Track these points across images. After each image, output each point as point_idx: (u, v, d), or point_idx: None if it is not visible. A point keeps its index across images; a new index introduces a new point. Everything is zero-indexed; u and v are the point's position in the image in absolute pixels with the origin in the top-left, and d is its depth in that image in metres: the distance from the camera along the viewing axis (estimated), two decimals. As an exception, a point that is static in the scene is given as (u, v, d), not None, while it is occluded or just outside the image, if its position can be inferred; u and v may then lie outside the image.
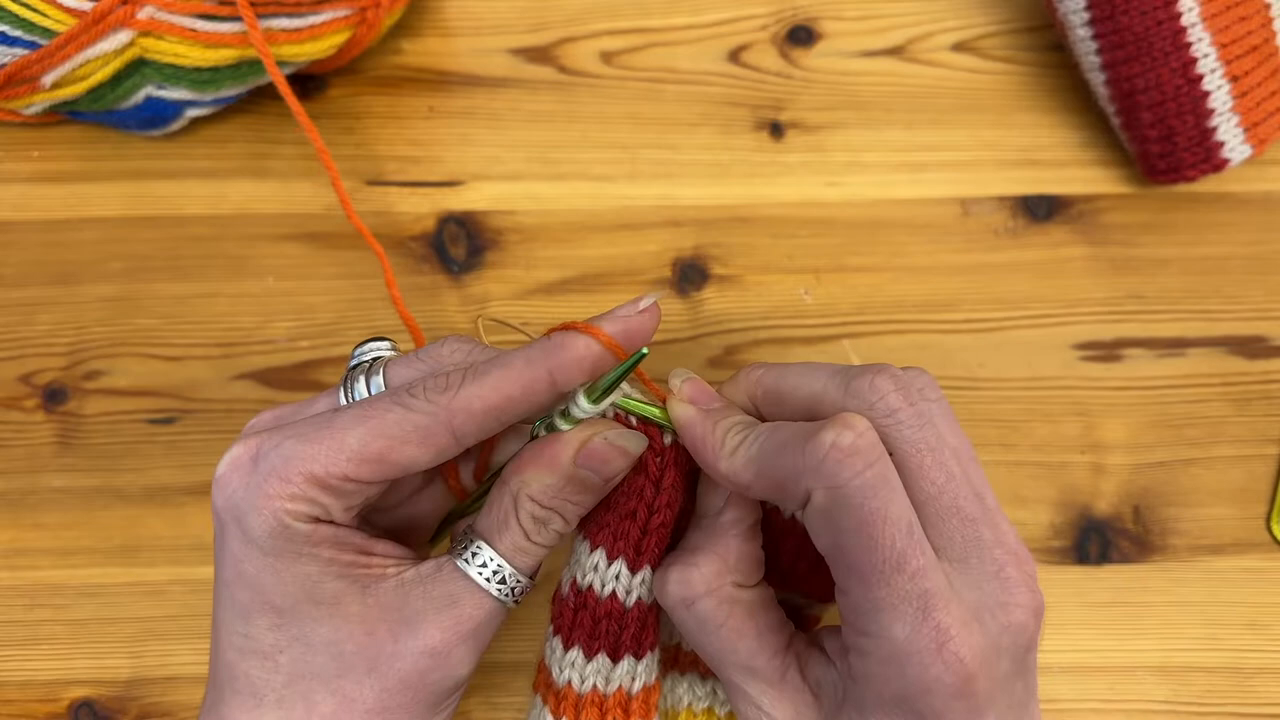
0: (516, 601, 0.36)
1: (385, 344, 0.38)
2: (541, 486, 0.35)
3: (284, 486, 0.33)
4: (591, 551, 0.37)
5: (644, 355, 0.34)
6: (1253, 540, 0.49)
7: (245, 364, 0.51)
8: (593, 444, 0.35)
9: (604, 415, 0.36)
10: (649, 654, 0.38)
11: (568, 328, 0.35)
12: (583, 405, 0.35)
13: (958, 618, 0.32)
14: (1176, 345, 0.51)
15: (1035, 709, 0.34)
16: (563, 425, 0.36)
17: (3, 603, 0.48)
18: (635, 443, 0.36)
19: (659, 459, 0.37)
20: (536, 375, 0.34)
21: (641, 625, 0.37)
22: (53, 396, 0.50)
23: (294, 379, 0.51)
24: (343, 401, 0.37)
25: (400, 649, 0.34)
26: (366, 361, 0.38)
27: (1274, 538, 0.49)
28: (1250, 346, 0.51)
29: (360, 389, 0.37)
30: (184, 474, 0.49)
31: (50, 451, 0.50)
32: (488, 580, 0.35)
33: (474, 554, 0.36)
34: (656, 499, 0.37)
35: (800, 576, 0.39)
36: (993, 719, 0.32)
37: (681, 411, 0.36)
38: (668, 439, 0.37)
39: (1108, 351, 0.51)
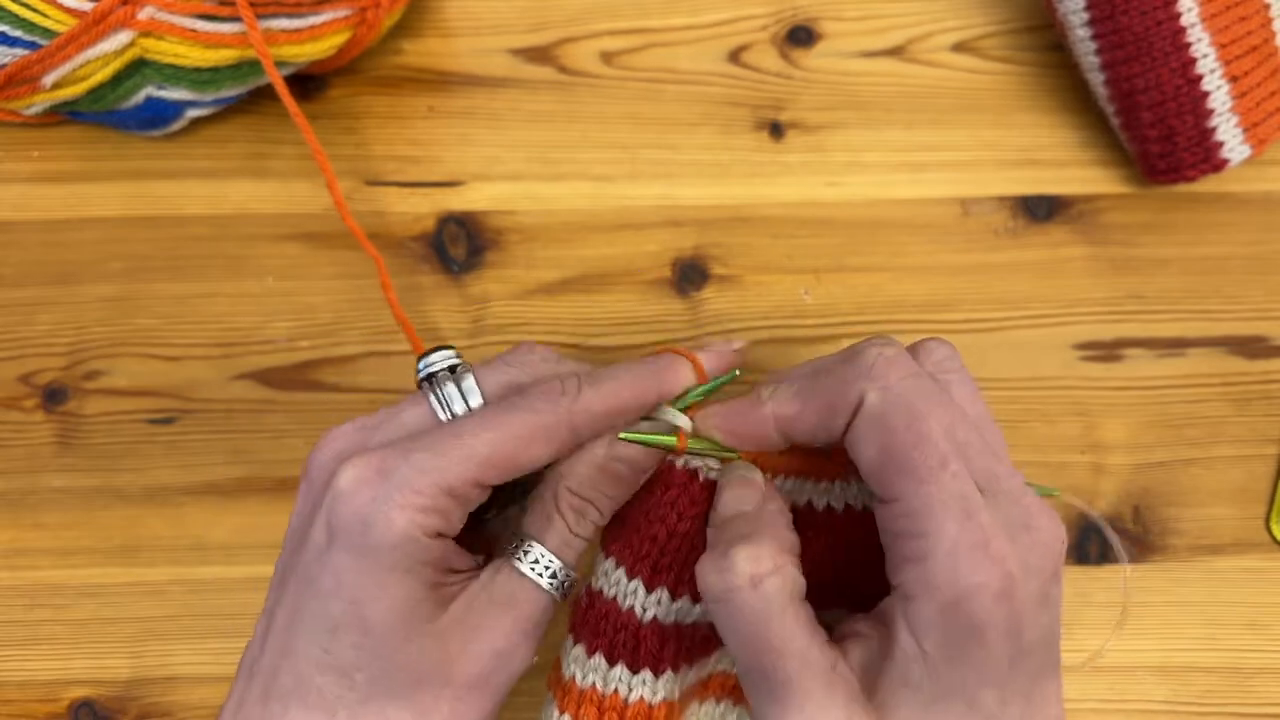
0: (565, 594, 0.38)
1: (451, 351, 0.40)
2: (578, 477, 0.37)
3: (417, 498, 0.34)
4: (606, 558, 0.39)
5: (736, 376, 0.39)
6: (1252, 540, 0.49)
7: (245, 364, 0.51)
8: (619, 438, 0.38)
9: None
10: (646, 670, 0.38)
11: (678, 353, 0.39)
12: (676, 419, 0.38)
13: (995, 523, 0.33)
14: (1176, 345, 0.51)
15: (1058, 650, 0.35)
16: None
17: (3, 603, 0.48)
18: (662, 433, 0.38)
19: (674, 490, 0.38)
20: (649, 387, 0.38)
21: (634, 635, 0.38)
22: (53, 396, 0.50)
23: (294, 379, 0.51)
24: (435, 407, 0.38)
25: (470, 654, 0.36)
26: (443, 369, 0.39)
27: (1274, 538, 0.49)
28: (1250, 346, 0.51)
29: (451, 392, 0.38)
30: (184, 474, 0.49)
31: (50, 451, 0.50)
32: (539, 575, 0.37)
33: (525, 552, 0.37)
34: (662, 521, 0.38)
35: (835, 576, 0.39)
36: (1028, 637, 0.33)
37: (706, 410, 0.38)
38: (697, 468, 0.38)
39: (1108, 351, 0.51)
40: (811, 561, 0.38)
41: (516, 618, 0.37)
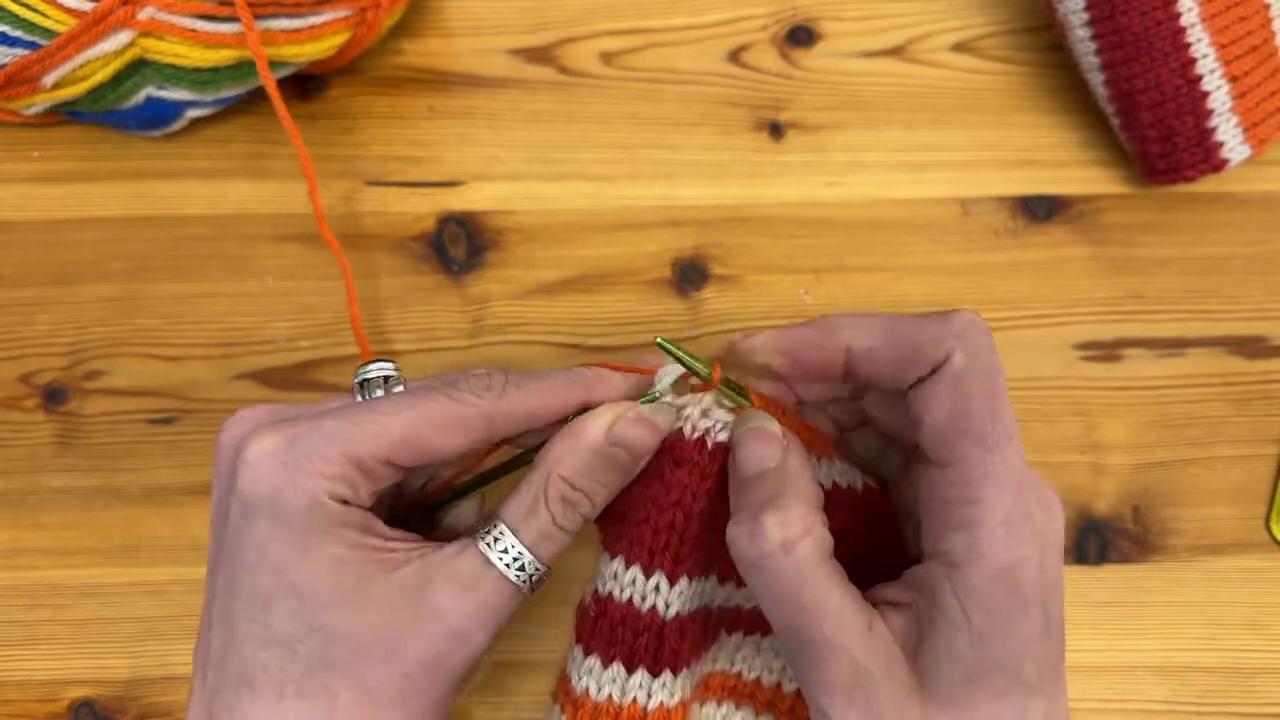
0: (533, 589, 0.36)
1: (390, 364, 0.39)
2: (573, 466, 0.36)
3: (324, 465, 0.34)
4: (611, 560, 0.37)
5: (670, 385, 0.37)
6: (1252, 540, 0.49)
7: (245, 364, 0.51)
8: (625, 417, 0.36)
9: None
10: (667, 672, 0.37)
11: (606, 366, 0.38)
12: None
13: (1034, 499, 0.34)
14: (1176, 345, 0.51)
15: (1063, 629, 0.35)
16: None
17: (3, 603, 0.48)
18: (665, 417, 0.37)
19: (684, 469, 0.37)
20: (574, 394, 0.37)
21: (657, 636, 0.37)
22: (53, 396, 0.50)
23: (294, 379, 0.51)
24: (357, 399, 0.38)
25: (421, 631, 0.35)
26: (378, 377, 0.39)
27: (1273, 538, 0.49)
28: (1250, 346, 0.51)
29: (378, 395, 0.38)
30: (184, 474, 0.49)
31: (50, 451, 0.50)
32: (508, 566, 0.36)
33: (496, 539, 0.36)
34: (677, 505, 0.37)
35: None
36: (1054, 610, 0.34)
37: (749, 336, 0.38)
38: (699, 431, 0.37)
39: (1108, 351, 0.51)
40: None
41: (477, 604, 0.35)
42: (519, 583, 0.36)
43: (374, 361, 0.39)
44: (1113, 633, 0.48)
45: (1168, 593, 0.48)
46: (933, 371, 0.35)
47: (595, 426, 0.36)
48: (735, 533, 0.34)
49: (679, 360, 0.37)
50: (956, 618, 0.33)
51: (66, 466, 0.49)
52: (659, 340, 0.36)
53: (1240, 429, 0.50)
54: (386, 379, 0.38)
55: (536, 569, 0.36)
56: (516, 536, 0.36)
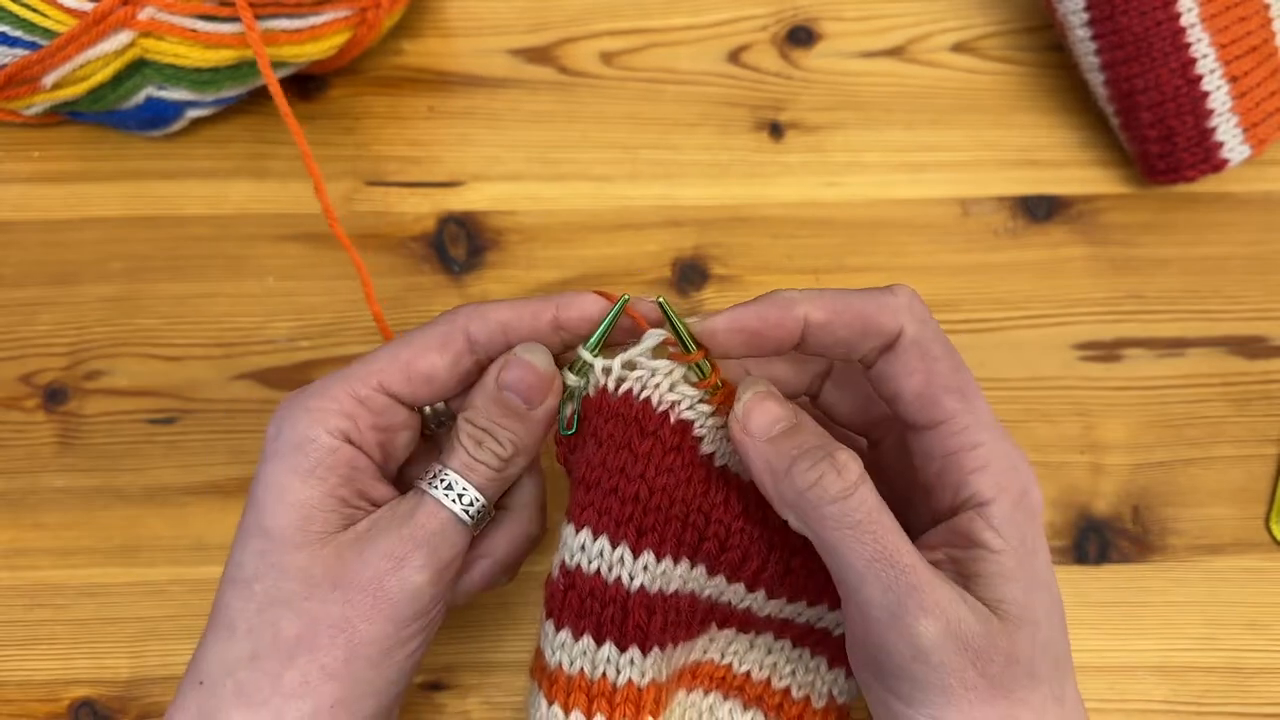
0: (472, 518, 0.38)
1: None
2: (474, 409, 0.38)
3: (322, 400, 0.37)
4: (578, 531, 0.37)
5: (626, 300, 0.38)
6: (1252, 540, 0.49)
7: (245, 364, 0.51)
8: (507, 361, 0.38)
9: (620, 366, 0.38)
10: (634, 648, 0.37)
11: (591, 293, 0.39)
12: (580, 353, 0.38)
13: (1006, 433, 0.37)
14: (1176, 345, 0.51)
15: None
16: (568, 376, 0.39)
17: (3, 603, 0.48)
18: (542, 359, 0.38)
19: (648, 441, 0.37)
20: (545, 305, 0.38)
21: (621, 609, 0.37)
22: (53, 396, 0.50)
23: (294, 379, 0.51)
24: None
25: (363, 559, 0.37)
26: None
27: (1273, 538, 0.49)
28: (1250, 346, 0.51)
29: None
30: (184, 474, 0.49)
31: (50, 451, 0.50)
32: (436, 488, 0.38)
33: (427, 470, 0.38)
34: (641, 477, 0.37)
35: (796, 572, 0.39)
36: (1046, 555, 0.37)
37: (709, 315, 0.37)
38: (660, 400, 0.37)
39: (1107, 351, 0.51)
40: (779, 546, 0.38)
41: (412, 527, 0.37)
42: (449, 502, 0.37)
43: None
44: (1113, 633, 0.48)
45: (1168, 593, 0.48)
46: (891, 346, 0.37)
47: (490, 372, 0.38)
48: (809, 477, 0.34)
49: (673, 326, 0.37)
50: (1000, 545, 0.35)
51: (67, 466, 0.49)
52: (659, 300, 0.37)
53: (1240, 429, 0.50)
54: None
55: (465, 488, 0.38)
56: (446, 466, 0.38)
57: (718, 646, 0.41)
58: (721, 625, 0.41)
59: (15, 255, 0.52)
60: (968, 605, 0.34)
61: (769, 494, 0.36)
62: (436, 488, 0.37)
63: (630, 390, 0.37)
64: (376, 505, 0.38)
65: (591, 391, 0.38)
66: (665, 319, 0.37)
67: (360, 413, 0.38)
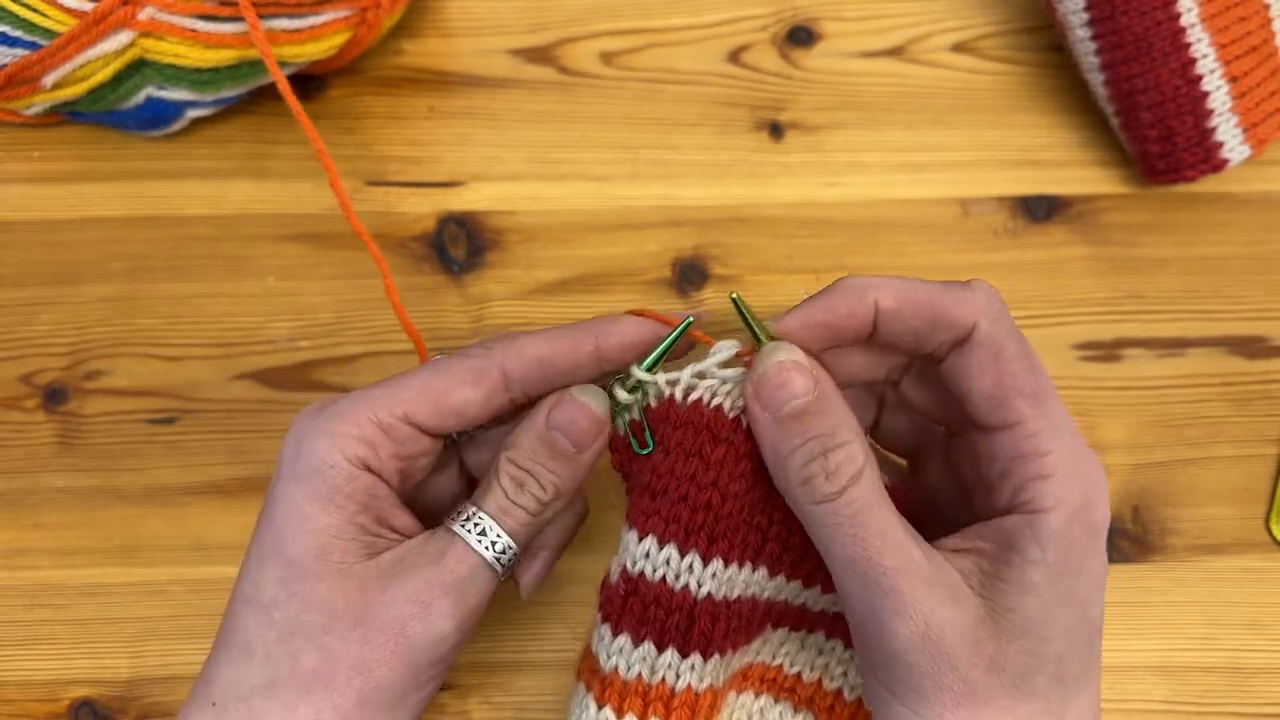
0: (503, 565, 0.37)
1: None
2: (518, 449, 0.37)
3: (344, 425, 0.36)
4: (642, 539, 0.37)
5: (690, 322, 0.38)
6: (1252, 540, 0.49)
7: (245, 364, 0.51)
8: (560, 401, 0.37)
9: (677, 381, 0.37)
10: (696, 654, 0.37)
11: (635, 314, 0.39)
12: (635, 372, 0.38)
13: (1084, 445, 0.36)
14: (1176, 345, 0.51)
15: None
16: (620, 393, 0.38)
17: (3, 603, 0.48)
18: (598, 401, 0.37)
19: (722, 448, 0.37)
20: (584, 335, 0.38)
21: (688, 616, 0.37)
22: (53, 396, 0.50)
23: (294, 379, 0.51)
24: None
25: (386, 599, 0.36)
26: None
27: (1273, 538, 0.49)
28: (1250, 346, 0.52)
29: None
30: (184, 474, 0.49)
31: (50, 451, 0.50)
32: (469, 533, 0.37)
33: (460, 512, 0.37)
34: (714, 485, 0.36)
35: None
36: (1104, 544, 0.35)
37: (785, 315, 0.37)
38: (732, 406, 0.37)
39: (1108, 351, 0.51)
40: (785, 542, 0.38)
41: (441, 571, 0.36)
42: (481, 549, 0.37)
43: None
44: (1113, 633, 0.47)
45: (1168, 593, 0.48)
46: (963, 341, 0.35)
47: (541, 410, 0.37)
48: (801, 474, 0.34)
49: (747, 322, 0.37)
50: (1035, 556, 0.34)
51: (67, 466, 0.49)
52: (733, 296, 0.37)
53: (1240, 429, 0.50)
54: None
55: (499, 535, 0.37)
56: (481, 509, 0.37)
57: (769, 648, 0.41)
58: (776, 625, 0.40)
59: (15, 255, 0.52)
60: (958, 608, 0.33)
61: (769, 469, 0.36)
62: (470, 531, 0.37)
63: (700, 399, 0.37)
64: (396, 531, 0.37)
65: (653, 402, 0.38)
66: (739, 314, 0.37)
67: (382, 441, 0.36)
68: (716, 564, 0.37)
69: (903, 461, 0.43)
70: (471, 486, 0.41)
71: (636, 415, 0.38)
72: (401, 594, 0.36)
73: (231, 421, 0.50)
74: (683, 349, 0.39)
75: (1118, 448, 0.50)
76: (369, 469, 0.36)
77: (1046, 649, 0.34)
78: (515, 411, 0.39)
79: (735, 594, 0.37)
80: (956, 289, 0.36)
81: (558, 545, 0.41)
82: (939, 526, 0.37)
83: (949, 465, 0.40)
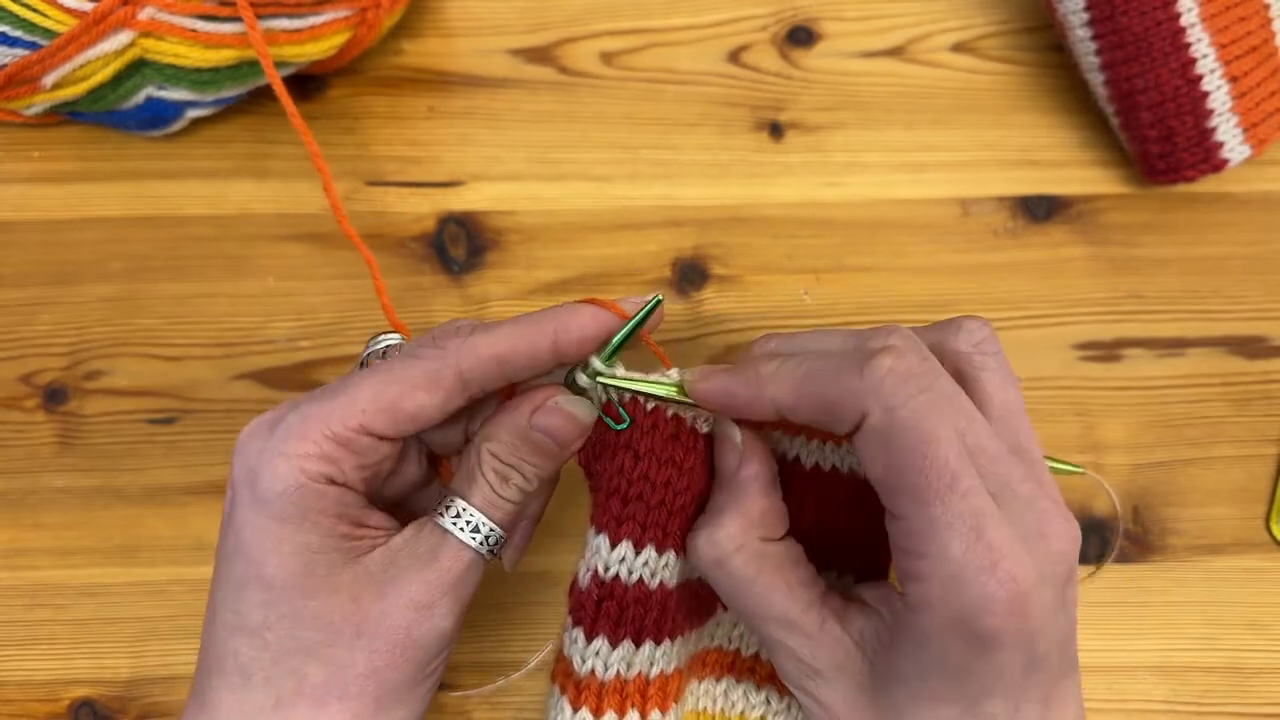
0: (493, 553, 0.37)
1: (396, 336, 0.40)
2: (500, 443, 0.37)
3: (301, 444, 0.35)
4: (614, 545, 0.37)
5: (659, 301, 0.37)
6: (1252, 540, 0.49)
7: (245, 364, 0.51)
8: (545, 406, 0.37)
9: (621, 393, 0.37)
10: (667, 640, 0.38)
11: (587, 301, 0.38)
12: (594, 363, 0.37)
13: (1007, 538, 0.32)
14: (1176, 345, 0.51)
15: (1075, 648, 0.35)
16: (581, 379, 0.38)
17: (3, 603, 0.48)
18: (584, 410, 0.38)
19: (693, 454, 0.38)
20: (541, 331, 0.36)
21: (663, 609, 0.37)
22: (53, 396, 0.50)
23: (294, 379, 0.51)
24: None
25: (386, 606, 0.35)
26: (380, 349, 0.39)
27: (1273, 538, 0.49)
28: (1250, 346, 0.51)
29: (375, 362, 0.38)
30: (184, 474, 0.49)
31: (50, 451, 0.50)
32: (462, 530, 0.37)
33: (448, 507, 0.37)
34: (688, 490, 0.37)
35: (822, 539, 0.39)
36: (1043, 645, 0.33)
37: (701, 374, 0.37)
38: (698, 421, 0.38)
39: (1108, 351, 0.51)
40: (800, 521, 0.38)
41: (438, 571, 0.36)
42: (475, 544, 0.37)
43: (381, 334, 0.40)
44: (1113, 633, 0.48)
45: (1168, 593, 0.48)
46: (858, 428, 0.34)
47: (523, 408, 0.37)
48: (687, 544, 0.37)
49: (646, 395, 0.37)
50: (910, 650, 0.34)
51: (67, 466, 0.49)
52: (627, 385, 0.37)
53: (1240, 429, 0.50)
54: (386, 350, 0.39)
55: (491, 529, 0.37)
56: (468, 502, 0.37)
57: (724, 631, 0.42)
58: (726, 608, 0.41)
59: (15, 255, 0.52)
60: (839, 684, 0.35)
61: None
62: (463, 530, 0.36)
63: (660, 406, 0.37)
64: (373, 528, 0.37)
65: (613, 396, 0.38)
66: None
67: (342, 455, 0.35)
68: (672, 555, 0.37)
69: None
70: (433, 462, 0.41)
71: (602, 397, 0.38)
72: (401, 600, 0.35)
73: (231, 421, 0.50)
74: (648, 330, 0.38)
75: (1118, 448, 0.50)
76: (334, 482, 0.35)
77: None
78: (473, 404, 0.39)
79: (696, 575, 0.39)
80: (848, 379, 0.34)
81: (536, 514, 0.41)
82: None
83: None
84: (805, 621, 0.36)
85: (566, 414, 0.37)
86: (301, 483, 0.35)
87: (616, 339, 0.37)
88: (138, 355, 0.51)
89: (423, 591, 0.36)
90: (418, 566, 0.36)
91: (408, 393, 0.36)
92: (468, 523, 0.37)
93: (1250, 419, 0.50)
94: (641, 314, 0.37)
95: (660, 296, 0.38)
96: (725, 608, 0.41)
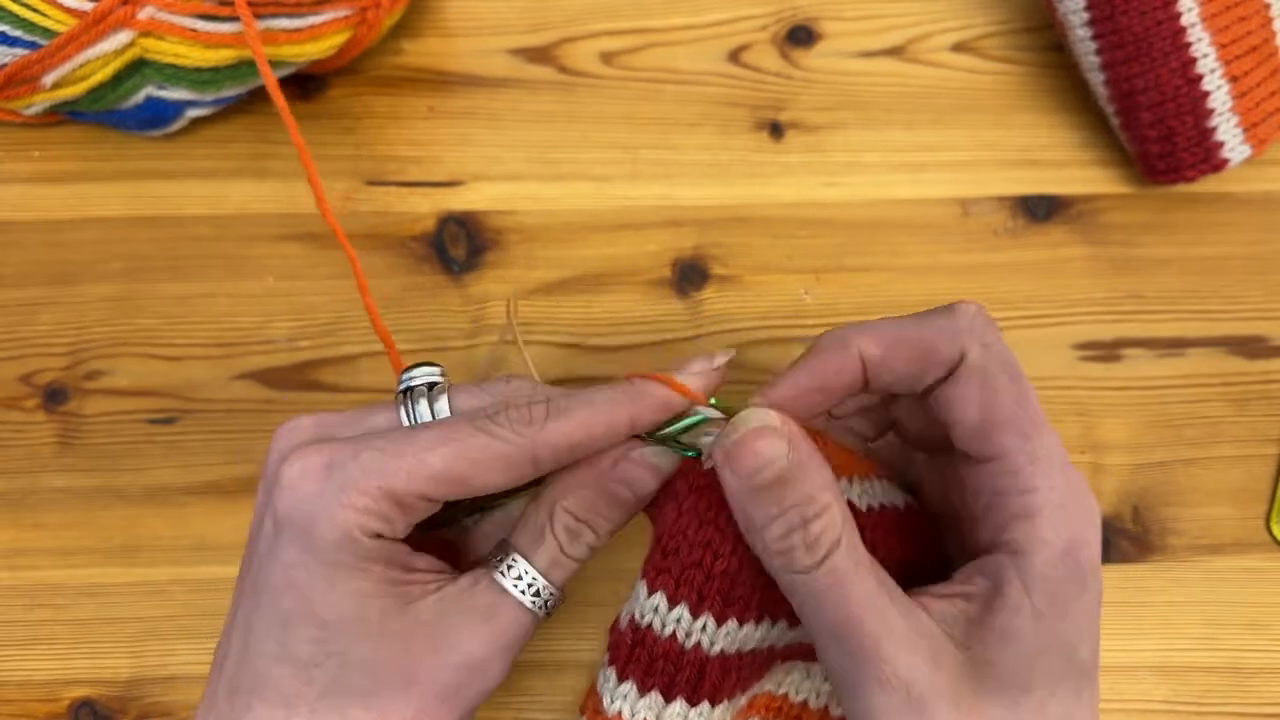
0: (549, 614, 0.37)
1: (436, 369, 0.38)
2: (577, 498, 0.36)
3: (359, 498, 0.34)
4: (650, 594, 0.36)
5: (703, 420, 0.37)
6: (1252, 540, 0.49)
7: (245, 364, 0.51)
8: (628, 457, 0.36)
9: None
10: (705, 703, 0.36)
11: (649, 377, 0.37)
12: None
13: (1078, 478, 0.34)
14: (1176, 345, 0.51)
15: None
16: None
17: (3, 603, 0.48)
18: (667, 461, 0.37)
19: (729, 512, 0.35)
20: (618, 417, 0.36)
21: (698, 672, 0.36)
22: (53, 396, 0.50)
23: (294, 379, 0.51)
24: (403, 417, 0.37)
25: (438, 662, 0.35)
26: (422, 385, 0.38)
27: (1273, 538, 0.49)
28: (1250, 346, 0.51)
29: (423, 410, 0.37)
30: (184, 474, 0.49)
31: (50, 451, 0.50)
32: (523, 593, 0.36)
33: (510, 567, 0.36)
34: (733, 553, 0.35)
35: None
36: (1099, 588, 0.34)
37: (768, 387, 0.36)
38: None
39: (1107, 351, 0.51)
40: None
41: (494, 632, 0.35)
42: (534, 608, 0.36)
43: (418, 365, 0.38)
44: (1113, 633, 0.48)
45: (1168, 593, 0.48)
46: (950, 372, 0.34)
47: (603, 462, 0.36)
48: (779, 545, 0.33)
49: (672, 442, 0.37)
50: (1018, 601, 0.33)
51: (67, 466, 0.49)
52: (712, 401, 0.37)
53: (1240, 429, 0.50)
54: (431, 386, 0.37)
55: (551, 594, 0.36)
56: (530, 563, 0.36)
57: (774, 678, 0.40)
58: (784, 660, 0.40)
59: (15, 255, 0.52)
60: (939, 671, 0.32)
61: (745, 537, 0.35)
62: (524, 592, 0.36)
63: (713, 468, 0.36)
64: (422, 571, 0.36)
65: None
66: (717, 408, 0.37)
67: (398, 515, 0.34)
68: (731, 624, 0.36)
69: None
70: None
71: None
72: (454, 657, 0.35)
73: (231, 421, 0.50)
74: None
75: (1118, 448, 0.50)
76: (383, 537, 0.35)
77: (1026, 699, 0.33)
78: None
79: (750, 647, 0.37)
80: (940, 320, 0.35)
81: None
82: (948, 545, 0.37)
83: (940, 490, 0.39)
84: (897, 611, 0.33)
85: (652, 468, 0.36)
86: (354, 536, 0.34)
87: (678, 427, 0.37)
88: (138, 355, 0.51)
89: (478, 651, 0.35)
90: (473, 624, 0.35)
91: (478, 471, 0.35)
92: (529, 585, 0.36)
93: (1250, 419, 0.50)
94: (698, 418, 0.37)
95: (733, 352, 0.38)
96: (783, 661, 0.39)
